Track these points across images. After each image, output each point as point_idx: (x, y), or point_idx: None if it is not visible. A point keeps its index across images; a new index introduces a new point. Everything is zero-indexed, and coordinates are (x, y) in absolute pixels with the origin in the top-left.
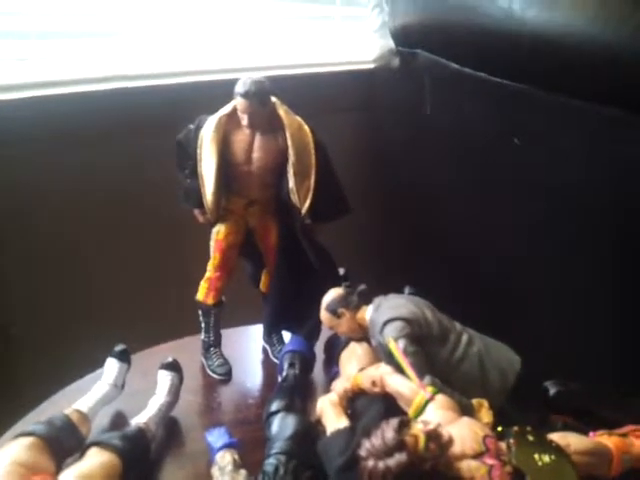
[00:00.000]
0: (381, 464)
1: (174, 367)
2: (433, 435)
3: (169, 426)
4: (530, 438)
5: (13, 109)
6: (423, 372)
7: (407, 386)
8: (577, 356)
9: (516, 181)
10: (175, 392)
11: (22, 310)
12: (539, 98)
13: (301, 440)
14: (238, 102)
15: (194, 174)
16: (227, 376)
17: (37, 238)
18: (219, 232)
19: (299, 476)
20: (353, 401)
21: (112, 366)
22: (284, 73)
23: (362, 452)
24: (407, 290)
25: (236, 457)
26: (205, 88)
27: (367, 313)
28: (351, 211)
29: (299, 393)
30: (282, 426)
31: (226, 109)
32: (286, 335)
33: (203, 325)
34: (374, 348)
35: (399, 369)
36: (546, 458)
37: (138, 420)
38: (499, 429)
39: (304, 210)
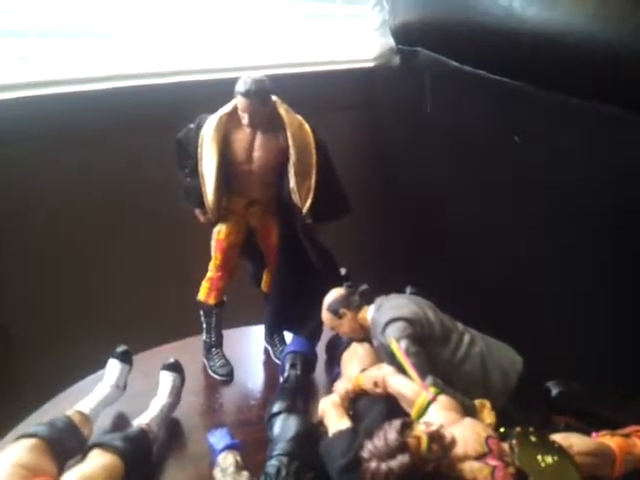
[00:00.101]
0: (383, 465)
1: (176, 368)
2: (435, 436)
3: (171, 427)
4: (533, 439)
5: (11, 108)
6: (425, 373)
7: (409, 387)
8: (577, 357)
9: (516, 179)
10: (177, 393)
11: (22, 310)
12: (539, 96)
13: (303, 441)
14: (239, 101)
15: (194, 173)
16: (229, 377)
17: (36, 237)
18: (220, 232)
19: (301, 477)
20: (355, 402)
21: (114, 367)
22: (284, 72)
23: (364, 453)
24: (409, 290)
25: (238, 458)
26: (205, 87)
27: (369, 313)
28: (352, 211)
29: (301, 394)
30: (284, 427)
31: (227, 108)
32: (288, 335)
33: (204, 325)
34: (376, 348)
35: (401, 370)
36: (549, 459)
37: (140, 421)
38: (501, 430)
39: (305, 210)
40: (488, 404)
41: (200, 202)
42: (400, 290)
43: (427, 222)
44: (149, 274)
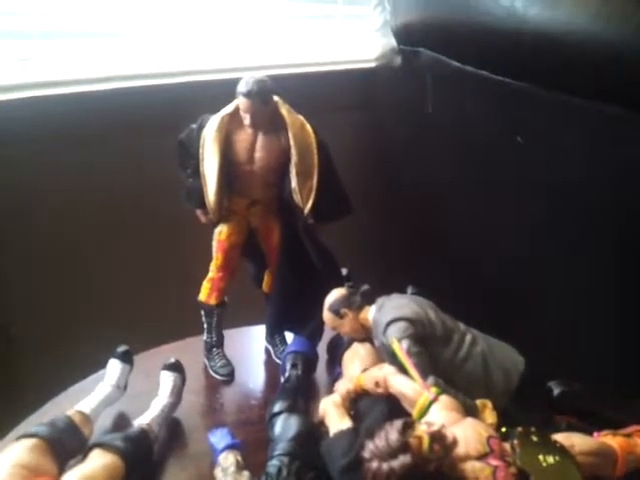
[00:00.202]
0: (385, 466)
1: (176, 368)
2: (437, 436)
3: (172, 427)
4: (534, 439)
5: (13, 109)
6: (427, 372)
7: (411, 387)
8: (579, 357)
9: (518, 179)
10: (177, 393)
11: (23, 310)
12: (541, 96)
13: (304, 441)
14: (240, 101)
15: (196, 174)
16: (230, 377)
17: (36, 238)
18: (221, 232)
19: (302, 477)
20: (356, 402)
21: (114, 367)
22: (286, 72)
23: (366, 453)
24: (410, 290)
25: (239, 458)
26: (207, 87)
27: (370, 313)
28: (353, 211)
29: (302, 394)
30: (285, 427)
31: (228, 108)
32: (289, 336)
33: (205, 326)
34: (377, 348)
35: (402, 369)
36: (550, 459)
37: (141, 421)
38: (503, 430)
39: (307, 210)
40: (490, 404)
41: (202, 202)
42: (401, 290)
43: (429, 222)
44: (150, 274)
